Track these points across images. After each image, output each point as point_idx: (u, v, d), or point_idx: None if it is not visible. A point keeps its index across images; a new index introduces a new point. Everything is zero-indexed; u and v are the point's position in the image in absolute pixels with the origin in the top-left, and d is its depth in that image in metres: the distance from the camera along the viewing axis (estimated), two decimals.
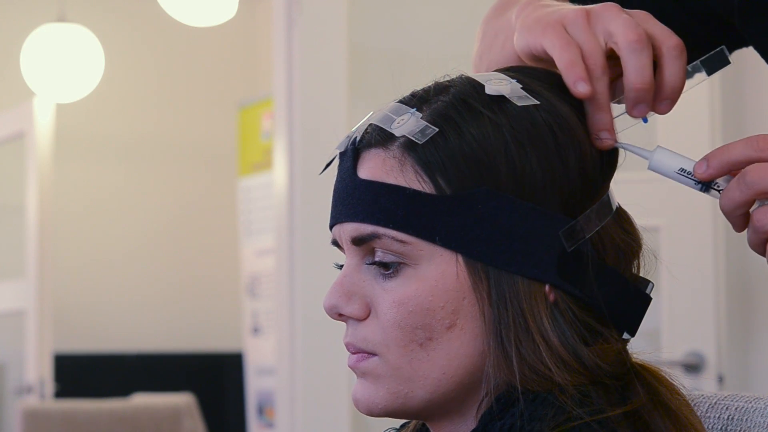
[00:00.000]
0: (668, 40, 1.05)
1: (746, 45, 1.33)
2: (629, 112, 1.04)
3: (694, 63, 1.07)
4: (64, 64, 5.27)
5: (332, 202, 1.04)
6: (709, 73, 1.06)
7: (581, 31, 1.04)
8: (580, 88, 1.02)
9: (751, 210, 1.00)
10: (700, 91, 3.12)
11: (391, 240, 0.99)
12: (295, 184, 3.57)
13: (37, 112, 5.57)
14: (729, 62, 1.06)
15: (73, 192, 6.48)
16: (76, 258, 6.49)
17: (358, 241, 1.01)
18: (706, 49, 1.37)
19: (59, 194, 6.02)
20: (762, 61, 1.31)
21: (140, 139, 6.70)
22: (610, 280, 1.01)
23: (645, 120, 1.06)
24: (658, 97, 1.04)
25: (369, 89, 3.54)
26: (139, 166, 6.70)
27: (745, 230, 1.02)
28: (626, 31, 1.03)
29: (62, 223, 6.21)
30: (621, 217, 1.05)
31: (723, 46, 1.06)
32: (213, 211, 6.75)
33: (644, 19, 1.06)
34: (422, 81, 1.06)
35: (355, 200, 1.01)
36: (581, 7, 1.07)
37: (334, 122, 3.47)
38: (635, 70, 1.02)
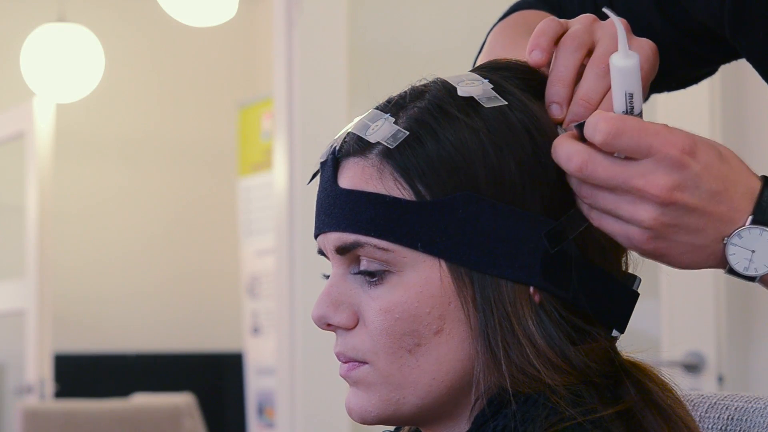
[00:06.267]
0: (597, 57, 1.04)
1: (738, 57, 1.33)
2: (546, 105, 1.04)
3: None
4: (64, 64, 5.27)
5: (315, 212, 1.05)
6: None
7: (554, 22, 1.07)
8: (533, 55, 1.04)
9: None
10: (700, 90, 3.12)
11: (374, 248, 0.99)
12: (295, 184, 3.57)
13: (37, 112, 5.57)
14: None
15: (73, 192, 6.47)
16: (76, 258, 6.49)
17: (342, 250, 1.01)
18: (699, 65, 1.37)
19: (59, 194, 6.02)
20: None
21: (140, 139, 6.70)
22: (595, 278, 1.01)
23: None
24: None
25: (369, 89, 3.54)
26: (139, 166, 6.69)
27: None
28: (570, 34, 1.05)
29: (62, 223, 6.21)
30: None
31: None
32: (213, 211, 6.75)
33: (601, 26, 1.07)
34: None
35: (337, 210, 1.01)
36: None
37: (334, 122, 3.47)
38: (556, 66, 1.04)
